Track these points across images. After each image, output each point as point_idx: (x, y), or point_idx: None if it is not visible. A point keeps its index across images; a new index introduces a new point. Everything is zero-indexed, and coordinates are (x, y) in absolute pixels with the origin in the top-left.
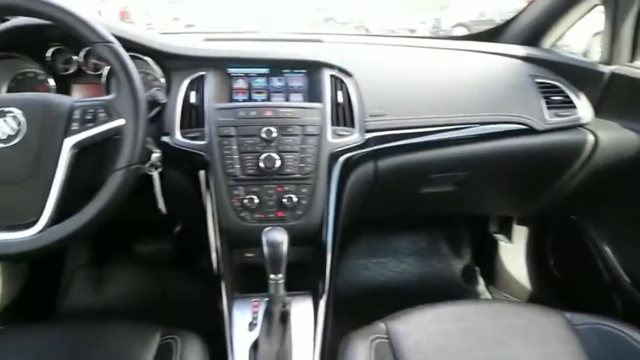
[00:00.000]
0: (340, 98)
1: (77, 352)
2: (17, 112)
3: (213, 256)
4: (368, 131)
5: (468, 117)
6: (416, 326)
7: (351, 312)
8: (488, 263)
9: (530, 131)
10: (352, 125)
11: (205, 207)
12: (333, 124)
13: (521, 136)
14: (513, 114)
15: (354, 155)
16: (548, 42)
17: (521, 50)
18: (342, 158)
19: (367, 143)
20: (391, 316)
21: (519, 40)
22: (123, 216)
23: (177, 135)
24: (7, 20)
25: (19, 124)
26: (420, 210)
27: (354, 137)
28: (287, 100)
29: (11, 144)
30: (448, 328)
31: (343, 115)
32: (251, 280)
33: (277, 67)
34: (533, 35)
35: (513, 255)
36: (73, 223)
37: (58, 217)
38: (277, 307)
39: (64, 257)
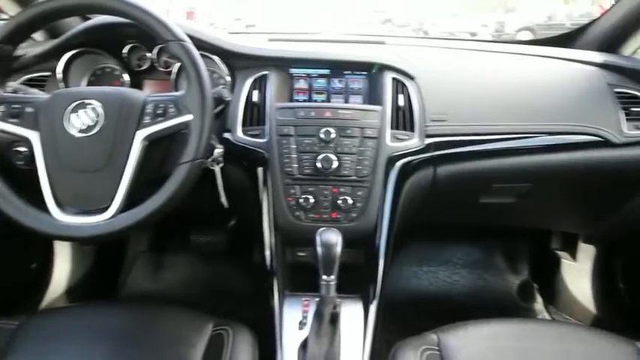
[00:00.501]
0: (401, 101)
1: (135, 332)
2: (97, 104)
3: (267, 252)
4: (428, 136)
5: (536, 126)
6: (470, 341)
7: (398, 319)
8: (547, 281)
9: (606, 144)
10: (412, 129)
11: (262, 204)
12: (392, 128)
13: (595, 148)
14: (587, 124)
15: (413, 160)
16: (629, 49)
17: (599, 57)
18: (399, 162)
19: (427, 148)
20: (443, 327)
21: (596, 46)
22: (183, 207)
23: (239, 132)
24: (90, 19)
25: (97, 115)
26: (478, 220)
27: (413, 142)
28: (346, 101)
29: (90, 134)
30: (504, 347)
31: (403, 119)
32: (302, 279)
33: (338, 68)
34: (613, 41)
35: (577, 275)
36: (141, 211)
37: (127, 204)
38: (328, 308)
39: (126, 243)
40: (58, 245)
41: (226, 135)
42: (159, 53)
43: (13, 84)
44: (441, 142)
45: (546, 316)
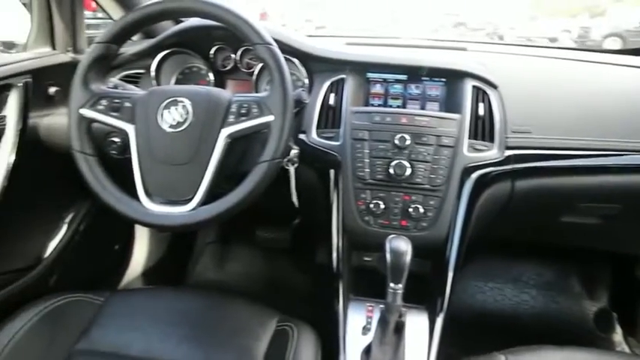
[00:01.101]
0: (481, 110)
1: (205, 318)
2: (187, 102)
3: (334, 254)
4: (509, 148)
5: (629, 143)
6: None
7: (461, 334)
8: (629, 311)
9: None
10: (491, 140)
11: (331, 206)
12: (470, 137)
13: None
14: None
15: (490, 172)
16: None
17: None
18: (476, 174)
19: (506, 161)
20: (513, 349)
21: None
22: (254, 203)
23: (314, 134)
24: (182, 22)
25: (187, 112)
26: (556, 240)
27: (492, 153)
28: (423, 108)
29: (179, 129)
30: None
31: (482, 129)
32: (366, 284)
33: (416, 74)
34: None
35: None
36: (221, 205)
37: (207, 198)
38: (393, 316)
39: (196, 234)
40: (138, 230)
41: (301, 136)
42: (242, 55)
43: (113, 80)
44: (522, 155)
45: (626, 349)
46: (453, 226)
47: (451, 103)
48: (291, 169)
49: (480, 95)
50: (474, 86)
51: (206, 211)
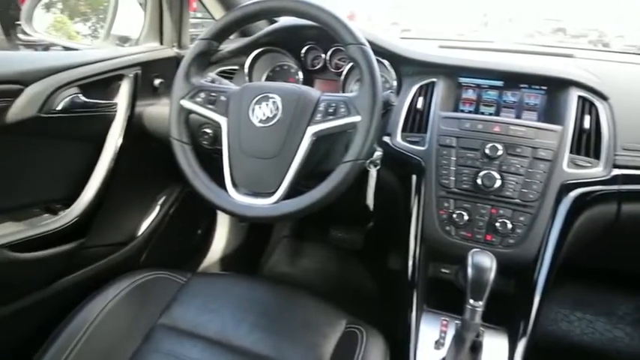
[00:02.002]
0: (587, 123)
1: (278, 310)
2: (277, 98)
3: (410, 263)
4: (617, 167)
5: None
6: None
7: None
8: None
9: None
10: (596, 157)
11: (411, 212)
12: (571, 152)
13: None
14: None
15: (593, 192)
16: None
17: None
18: (575, 192)
19: (613, 180)
20: None
21: None
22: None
23: (398, 137)
24: (276, 21)
25: (277, 108)
26: None
27: (596, 170)
28: (518, 117)
29: (268, 125)
30: None
31: (587, 144)
32: (441, 297)
33: (514, 80)
34: None
35: None
36: (303, 201)
37: (289, 193)
38: (470, 334)
39: (272, 227)
40: (220, 218)
41: (385, 139)
42: (332, 55)
43: (211, 74)
44: (633, 176)
45: None
46: (544, 247)
47: (552, 114)
48: (373, 171)
49: (586, 107)
50: (579, 96)
51: (287, 206)
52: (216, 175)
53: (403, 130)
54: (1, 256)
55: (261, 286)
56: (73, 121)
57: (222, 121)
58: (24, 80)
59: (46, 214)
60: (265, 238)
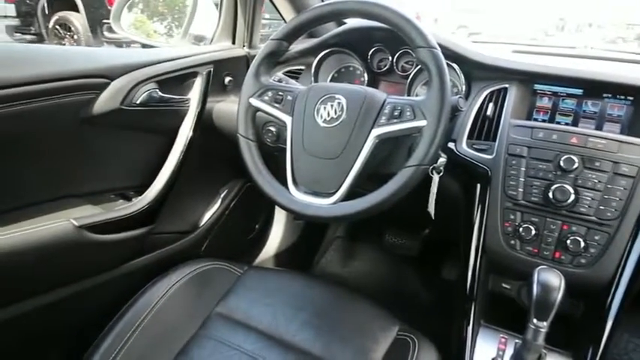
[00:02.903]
0: None
1: (329, 310)
2: (342, 99)
3: (469, 274)
4: None
5: None
6: None
7: None
8: None
9: None
10: None
11: (473, 222)
12: None
13: None
14: None
15: None
16: None
17: None
18: None
19: None
20: None
21: None
22: (391, 207)
23: (464, 144)
24: (344, 23)
25: (342, 109)
26: None
27: None
28: (599, 128)
29: (332, 125)
30: None
31: None
32: (501, 313)
33: (596, 89)
34: None
35: None
36: (361, 203)
37: (349, 195)
38: (532, 356)
39: (327, 227)
40: (277, 215)
41: (450, 145)
42: (399, 57)
43: (278, 74)
44: None
45: None
46: (621, 270)
47: (638, 126)
48: (435, 178)
49: None
50: None
51: (346, 207)
52: (276, 173)
53: (469, 137)
54: (80, 235)
55: (315, 285)
56: (149, 114)
57: (288, 119)
58: (110, 75)
59: (121, 200)
60: (319, 238)
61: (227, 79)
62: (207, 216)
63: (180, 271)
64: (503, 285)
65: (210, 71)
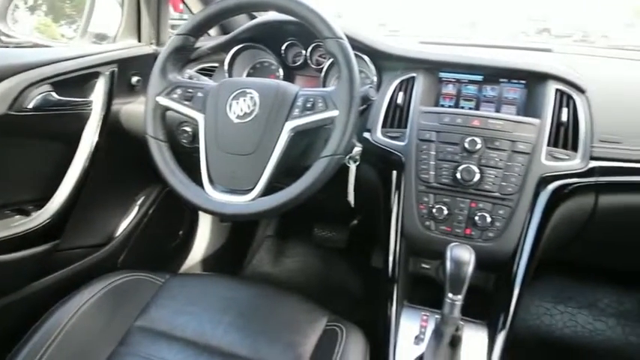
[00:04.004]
0: (564, 116)
1: (256, 310)
2: (255, 94)
3: (390, 258)
4: (594, 158)
5: None
6: None
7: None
8: None
9: None
10: (574, 149)
11: (391, 208)
12: (549, 145)
13: None
14: None
15: (571, 184)
16: None
17: None
18: (553, 184)
19: (590, 172)
20: None
21: None
22: (312, 200)
23: (378, 133)
24: (256, 17)
25: (254, 104)
26: None
27: (574, 163)
28: (498, 111)
29: (246, 120)
30: None
31: (564, 136)
32: (421, 292)
33: (493, 75)
34: None
35: None
36: (279, 197)
37: (267, 190)
38: (449, 329)
39: (257, 226)
40: (202, 218)
41: (365, 134)
42: (312, 51)
43: (189, 71)
44: (609, 168)
45: None
46: (524, 240)
47: (530, 107)
48: (352, 167)
49: (564, 100)
50: (557, 90)
51: (265, 203)
52: (196, 175)
53: (384, 125)
54: None
55: (241, 287)
56: (45, 119)
57: (199, 117)
58: None
59: (18, 216)
60: (249, 238)
61: (134, 79)
62: (123, 226)
63: (93, 286)
64: (423, 265)
65: (114, 71)
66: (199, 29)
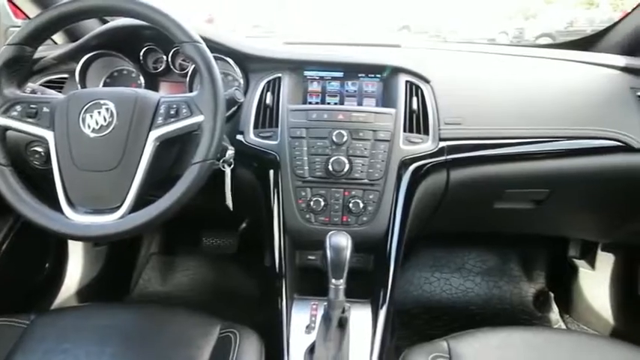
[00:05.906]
0: (415, 104)
1: (142, 333)
2: (110, 104)
3: (276, 255)
4: (442, 140)
5: (554, 130)
6: (481, 349)
7: (409, 325)
8: (564, 290)
9: (626, 149)
10: (426, 133)
11: (272, 206)
12: (405, 131)
13: (615, 153)
14: (607, 129)
15: (426, 164)
16: None
17: (622, 60)
18: (412, 166)
19: (440, 152)
20: (454, 335)
21: (617, 50)
22: (193, 209)
23: (251, 134)
24: (107, 22)
25: (111, 115)
26: (493, 227)
27: (426, 145)
28: (360, 104)
29: (103, 134)
30: (517, 356)
31: (417, 122)
32: (311, 283)
33: (352, 71)
34: (635, 45)
35: (595, 284)
36: (151, 211)
37: (138, 205)
38: (336, 312)
39: (139, 245)
40: (72, 245)
41: (238, 137)
42: (174, 55)
43: (32, 85)
44: (455, 146)
45: (562, 325)
46: (393, 219)
47: (387, 99)
48: (227, 171)
49: (413, 90)
50: (407, 81)
51: (135, 219)
52: (55, 198)
53: (255, 126)
54: None
55: (121, 312)
56: None
57: (48, 135)
58: None
59: None
60: (131, 259)
61: None
62: None
63: None
64: (309, 257)
65: None
66: (36, 37)
